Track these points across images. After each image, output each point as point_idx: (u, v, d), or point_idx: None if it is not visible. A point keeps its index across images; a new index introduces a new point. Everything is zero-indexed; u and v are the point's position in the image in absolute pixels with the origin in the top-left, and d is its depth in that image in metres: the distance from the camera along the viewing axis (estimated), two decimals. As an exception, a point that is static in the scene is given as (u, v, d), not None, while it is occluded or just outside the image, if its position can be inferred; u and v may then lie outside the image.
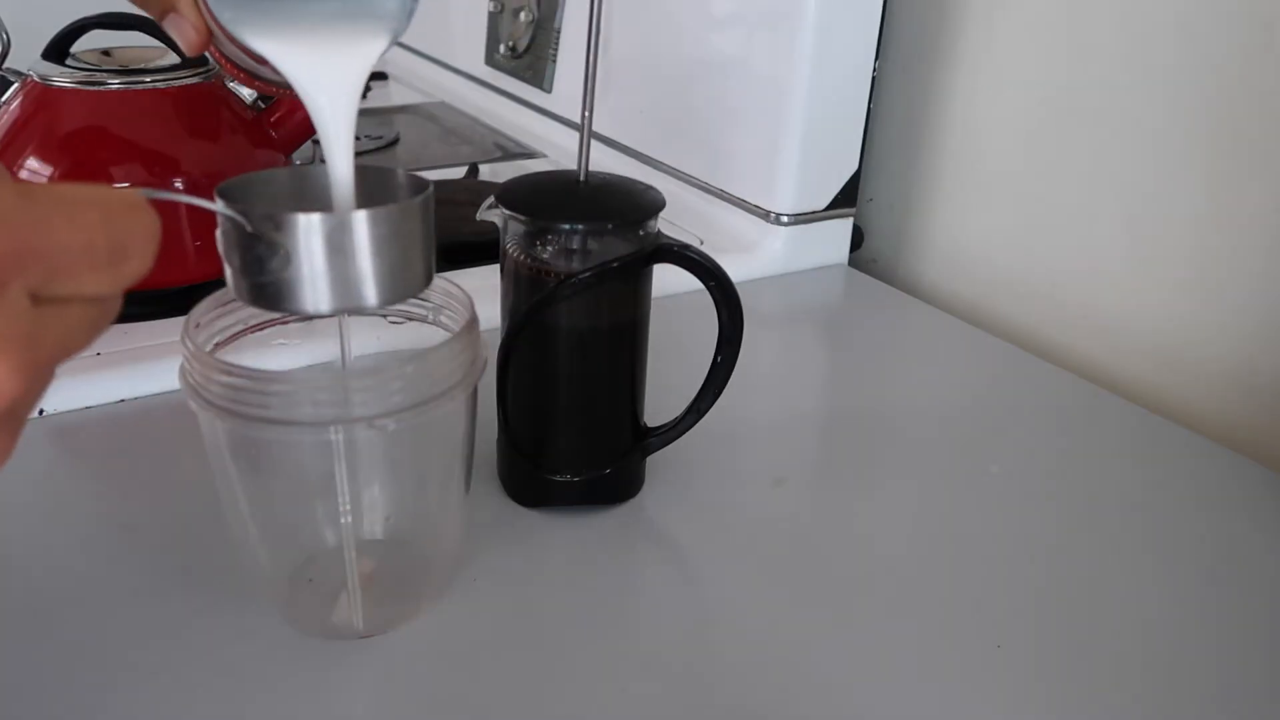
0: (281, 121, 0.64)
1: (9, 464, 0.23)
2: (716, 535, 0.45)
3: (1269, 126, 0.54)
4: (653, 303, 0.44)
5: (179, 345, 0.33)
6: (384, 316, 0.37)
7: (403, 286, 0.32)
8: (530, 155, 0.97)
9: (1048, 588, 0.43)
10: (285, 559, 0.40)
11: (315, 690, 0.36)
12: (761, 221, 0.73)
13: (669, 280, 0.44)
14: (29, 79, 0.59)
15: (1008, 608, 0.41)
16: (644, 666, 0.38)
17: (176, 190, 0.58)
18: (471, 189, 0.85)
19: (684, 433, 0.46)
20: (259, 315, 0.36)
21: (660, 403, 0.47)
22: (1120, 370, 0.64)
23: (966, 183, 0.73)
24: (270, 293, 0.30)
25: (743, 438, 0.52)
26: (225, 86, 0.63)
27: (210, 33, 0.41)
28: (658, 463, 0.48)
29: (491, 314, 0.42)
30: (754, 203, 0.74)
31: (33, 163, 0.57)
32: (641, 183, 0.43)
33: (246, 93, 0.64)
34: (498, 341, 0.42)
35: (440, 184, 0.83)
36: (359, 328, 0.37)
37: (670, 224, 0.76)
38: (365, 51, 0.32)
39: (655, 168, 0.83)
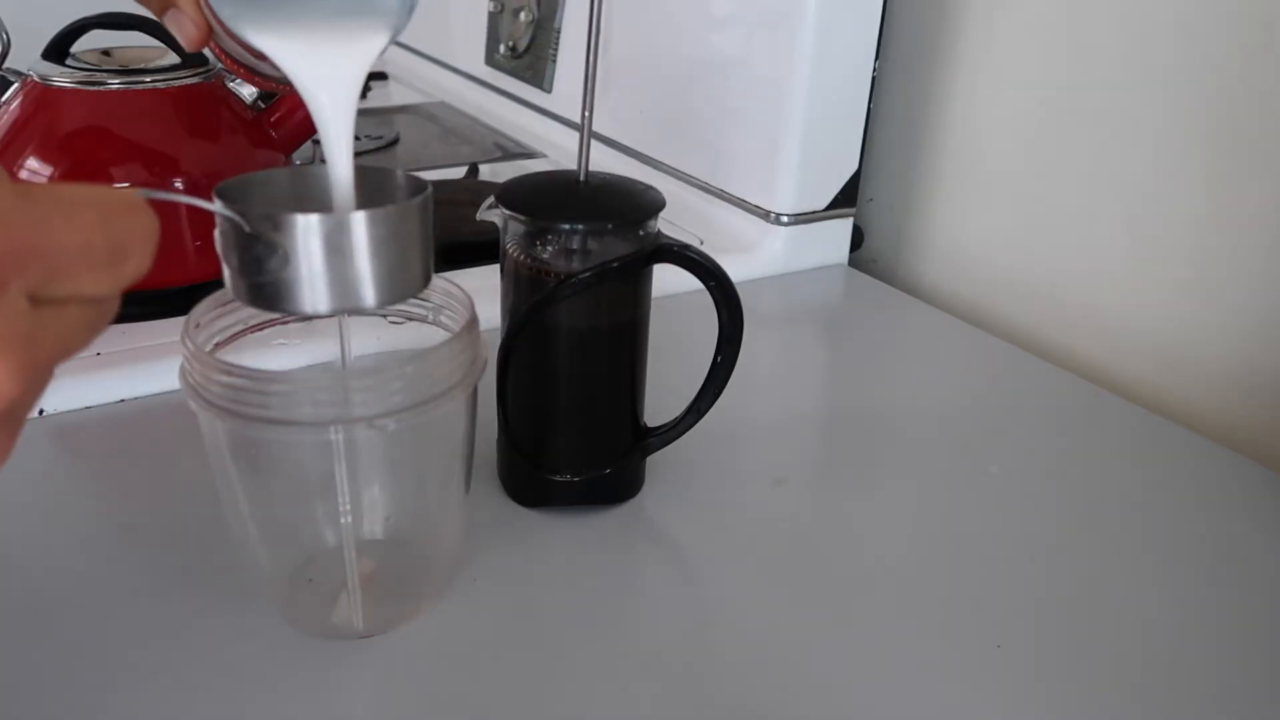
0: (281, 121, 0.64)
1: (9, 464, 0.23)
2: (716, 535, 0.45)
3: (1269, 126, 0.54)
4: (653, 303, 0.44)
5: (179, 345, 0.33)
6: (384, 316, 0.37)
7: (401, 287, 0.32)
8: (530, 155, 0.97)
9: (1048, 588, 0.43)
10: (285, 559, 0.40)
11: (315, 690, 0.36)
12: (761, 221, 0.73)
13: (669, 280, 0.44)
14: (29, 79, 0.59)
15: (1008, 608, 0.41)
16: (644, 666, 0.38)
17: (176, 190, 0.58)
18: (471, 189, 0.85)
19: (684, 433, 0.46)
20: (259, 315, 0.36)
21: (660, 403, 0.47)
22: (1120, 370, 0.64)
23: (966, 183, 0.73)
24: (269, 293, 0.30)
25: (743, 438, 0.52)
26: (225, 86, 0.63)
27: (210, 29, 0.41)
28: (658, 463, 0.48)
29: (491, 314, 0.42)
30: (754, 203, 0.74)
31: (33, 163, 0.57)
32: (641, 183, 0.43)
33: (247, 93, 0.64)
34: (498, 341, 0.42)
35: (440, 184, 0.83)
36: (359, 328, 0.37)
37: (670, 224, 0.76)
38: (365, 48, 0.32)
39: (655, 168, 0.83)
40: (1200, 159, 0.58)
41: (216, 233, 0.30)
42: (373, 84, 1.25)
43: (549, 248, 0.41)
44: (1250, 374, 0.57)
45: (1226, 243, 0.57)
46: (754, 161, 0.74)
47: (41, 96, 0.58)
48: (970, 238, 0.73)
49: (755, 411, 0.55)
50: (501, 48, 1.06)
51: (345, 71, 0.32)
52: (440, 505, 0.40)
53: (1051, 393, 0.59)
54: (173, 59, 0.61)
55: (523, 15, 1.01)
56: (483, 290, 0.40)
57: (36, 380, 0.22)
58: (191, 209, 0.58)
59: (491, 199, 0.41)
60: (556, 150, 0.97)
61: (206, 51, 0.60)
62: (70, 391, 0.52)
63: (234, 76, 0.63)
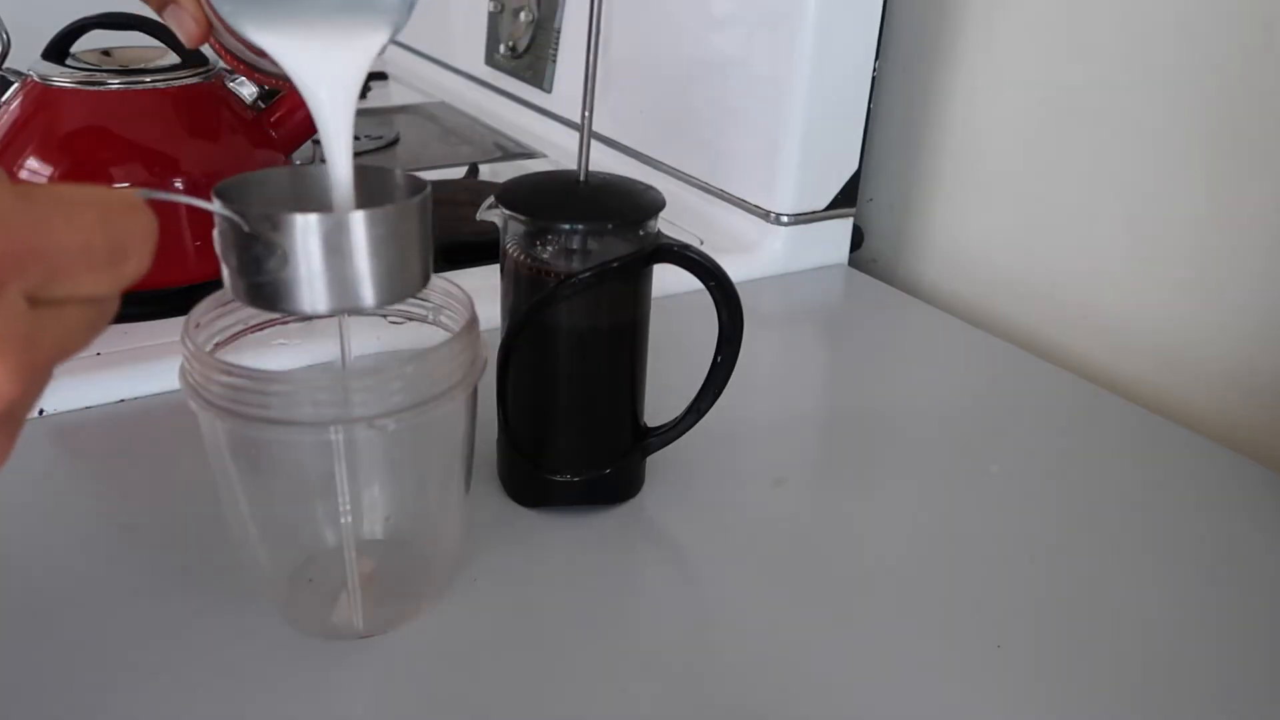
0: (281, 121, 0.64)
1: (8, 464, 0.23)
2: (716, 535, 0.45)
3: (1269, 126, 0.54)
4: (653, 303, 0.44)
5: (179, 345, 0.33)
6: (384, 316, 0.37)
7: (400, 287, 0.32)
8: (530, 155, 0.97)
9: (1048, 588, 0.43)
10: (285, 559, 0.40)
11: (315, 690, 0.36)
12: (761, 221, 0.73)
13: (669, 280, 0.44)
14: (29, 79, 0.59)
15: (1008, 608, 0.41)
16: (644, 666, 0.38)
17: (176, 190, 0.58)
18: (471, 189, 0.85)
19: (684, 433, 0.46)
20: (259, 315, 0.36)
21: (660, 403, 0.47)
22: (1120, 370, 0.64)
23: (966, 183, 0.73)
24: (268, 293, 0.30)
25: (743, 438, 0.52)
26: (225, 86, 0.63)
27: (210, 25, 0.41)
28: (658, 463, 0.48)
29: (491, 314, 0.42)
30: (754, 203, 0.74)
31: (33, 163, 0.57)
32: (641, 183, 0.43)
33: (247, 93, 0.64)
34: (498, 341, 0.42)
35: (440, 184, 0.83)
36: (359, 328, 0.37)
37: (670, 224, 0.76)
38: (366, 45, 0.32)
39: (655, 168, 0.83)
40: (1200, 159, 0.58)
41: (215, 233, 0.30)
42: (373, 84, 1.25)
43: (549, 248, 0.41)
44: (1250, 374, 0.57)
45: (1226, 243, 0.57)
46: (754, 161, 0.74)
47: (41, 96, 0.58)
48: (970, 238, 0.73)
49: (755, 411, 0.55)
50: (501, 48, 1.06)
51: (345, 69, 0.32)
52: (440, 505, 0.40)
53: (1051, 393, 0.59)
54: (173, 59, 0.61)
55: (523, 15, 1.01)
56: (483, 290, 0.40)
57: (36, 381, 0.22)
58: (191, 209, 0.58)
59: (491, 199, 0.41)
60: (556, 150, 0.97)
61: (207, 50, 0.61)
62: (70, 391, 0.52)
63: (234, 76, 0.63)
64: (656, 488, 0.48)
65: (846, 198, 0.74)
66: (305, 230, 0.29)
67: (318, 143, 0.43)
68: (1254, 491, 0.50)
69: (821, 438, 0.55)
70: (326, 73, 0.31)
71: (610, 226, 0.41)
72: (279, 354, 0.37)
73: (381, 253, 0.30)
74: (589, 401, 0.44)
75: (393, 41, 0.33)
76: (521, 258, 0.41)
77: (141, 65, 0.60)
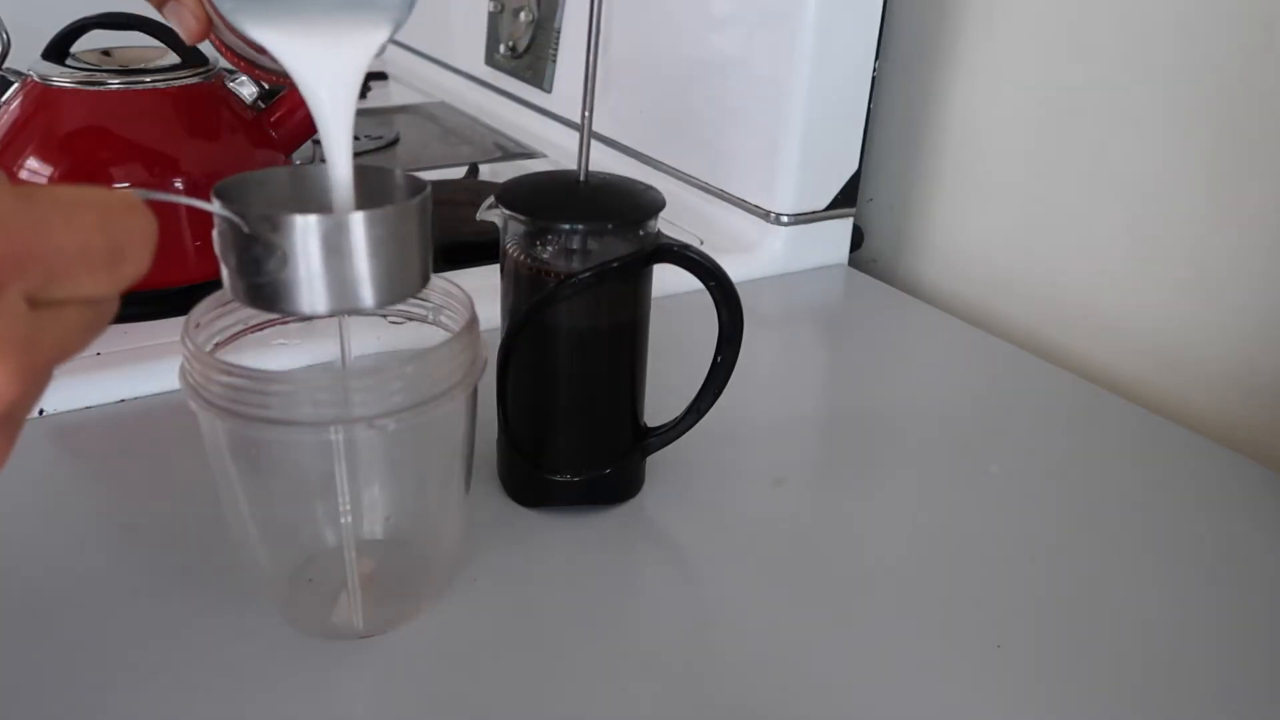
0: (281, 121, 0.64)
1: (8, 464, 0.23)
2: (716, 535, 0.45)
3: (1269, 126, 0.54)
4: (653, 303, 0.44)
5: (179, 345, 0.33)
6: (384, 316, 0.37)
7: (400, 288, 0.32)
8: (530, 155, 0.97)
9: (1048, 588, 0.43)
10: (285, 559, 0.40)
11: (315, 690, 0.36)
12: (761, 221, 0.73)
13: (669, 280, 0.44)
14: (29, 79, 0.59)
15: (1008, 608, 0.41)
16: (644, 666, 0.38)
17: (176, 190, 0.58)
18: (471, 189, 0.85)
19: (684, 433, 0.46)
20: (259, 315, 0.36)
21: (660, 403, 0.47)
22: (1120, 370, 0.64)
23: (966, 183, 0.73)
24: (267, 294, 0.30)
25: (743, 438, 0.52)
26: (225, 86, 0.63)
27: (210, 21, 0.41)
28: (658, 463, 0.48)
29: (491, 314, 0.42)
30: (754, 203, 0.74)
31: (33, 163, 0.57)
32: (641, 183, 0.43)
33: (247, 93, 0.64)
34: (498, 341, 0.42)
35: (440, 184, 0.83)
36: (359, 328, 0.37)
37: (670, 224, 0.76)
38: (366, 42, 0.32)
39: (655, 168, 0.83)
40: (1200, 159, 0.58)
41: (215, 233, 0.30)
42: (373, 84, 1.25)
43: (549, 248, 0.41)
44: (1250, 374, 0.57)
45: (1226, 243, 0.57)
46: (754, 161, 0.74)
47: (41, 96, 0.58)
48: (970, 238, 0.73)
49: (755, 411, 0.55)
50: (501, 48, 1.06)
51: (345, 66, 0.31)
52: (440, 505, 0.40)
53: (1051, 393, 0.59)
54: (173, 59, 0.61)
55: (523, 15, 1.01)
56: (483, 290, 0.40)
57: (36, 382, 0.22)
58: (191, 209, 0.58)
59: (491, 199, 0.41)
60: (556, 150, 0.97)
61: (207, 50, 0.61)
62: (70, 391, 0.52)
63: (235, 76, 0.63)
64: (656, 488, 0.48)
65: (846, 198, 0.74)
66: (305, 231, 0.29)
67: (318, 143, 0.43)
68: (1254, 491, 0.50)
69: (821, 438, 0.55)
70: (326, 70, 0.31)
71: (610, 226, 0.41)
72: (279, 354, 0.38)
73: (381, 253, 0.30)
74: (589, 401, 0.44)
75: (392, 40, 0.32)
76: (521, 258, 0.41)
77: (141, 65, 0.60)
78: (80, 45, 0.62)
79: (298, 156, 0.67)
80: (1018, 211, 0.69)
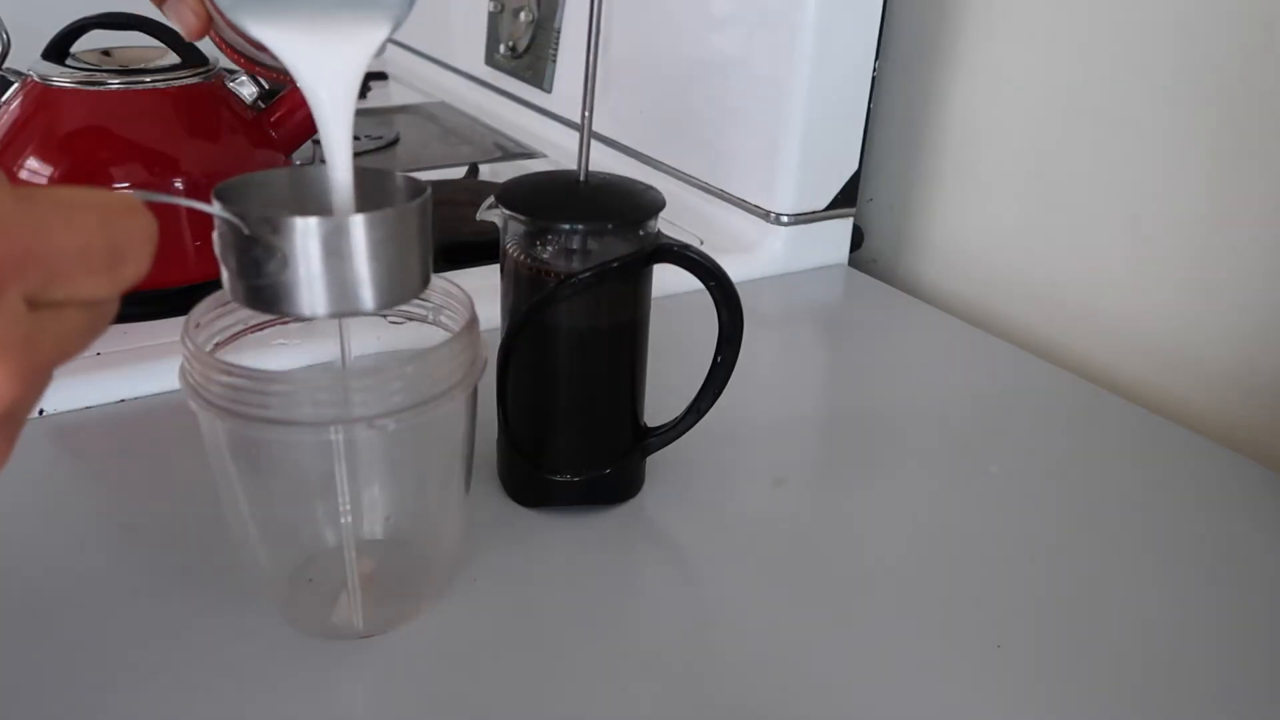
0: (281, 121, 0.64)
1: (8, 465, 0.23)
2: (716, 535, 0.45)
3: (1269, 126, 0.54)
4: (653, 303, 0.44)
5: (179, 345, 0.33)
6: (384, 316, 0.37)
7: (400, 290, 0.32)
8: (530, 155, 0.97)
9: (1048, 588, 0.43)
10: (285, 559, 0.40)
11: (315, 690, 0.36)
12: (761, 221, 0.73)
13: (669, 280, 0.44)
14: (29, 79, 0.59)
15: (1008, 608, 0.41)
16: (644, 666, 0.38)
17: (176, 190, 0.58)
18: (471, 189, 0.85)
19: (684, 433, 0.46)
20: (259, 315, 0.36)
21: (660, 403, 0.47)
22: (1120, 370, 0.64)
23: (966, 183, 0.73)
24: (267, 295, 0.30)
25: (743, 438, 0.52)
26: (225, 86, 0.63)
27: (210, 18, 0.41)
28: (658, 463, 0.48)
29: (491, 314, 0.42)
30: (754, 203, 0.74)
31: (33, 163, 0.57)
32: (641, 183, 0.43)
33: (247, 93, 0.64)
34: (498, 341, 0.42)
35: (440, 184, 0.83)
36: (359, 328, 0.37)
37: (670, 224, 0.76)
38: (366, 39, 0.32)
39: (655, 168, 0.83)
40: (1200, 159, 0.58)
41: (215, 235, 0.30)
42: (373, 84, 1.25)
43: (549, 248, 0.41)
44: (1250, 374, 0.57)
45: (1227, 243, 0.57)
46: (754, 161, 0.74)
47: (41, 96, 0.58)
48: (970, 238, 0.73)
49: (755, 411, 0.55)
50: (501, 48, 1.06)
51: (345, 64, 0.31)
52: (440, 505, 0.40)
53: (1051, 393, 0.59)
54: (173, 59, 0.61)
55: (523, 15, 1.01)
56: (483, 290, 0.40)
57: (35, 384, 0.22)
58: (191, 209, 0.58)
59: (491, 199, 0.41)
60: (556, 150, 0.97)
61: (207, 49, 0.61)
62: (70, 391, 0.52)
63: (235, 76, 0.63)
64: (656, 488, 0.48)
65: (846, 198, 0.74)
66: (305, 233, 0.29)
67: (318, 143, 0.43)
68: (1254, 491, 0.50)
69: (821, 438, 0.55)
70: (326, 67, 0.31)
71: (610, 226, 0.41)
72: (279, 354, 0.38)
73: (381, 256, 0.30)
74: (589, 401, 0.44)
75: (392, 40, 0.32)
76: (521, 258, 0.41)
77: (141, 65, 0.60)
78: (80, 45, 0.62)
79: (298, 156, 0.67)
80: (1018, 211, 0.69)
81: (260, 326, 0.37)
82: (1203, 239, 0.58)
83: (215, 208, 0.29)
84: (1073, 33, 0.63)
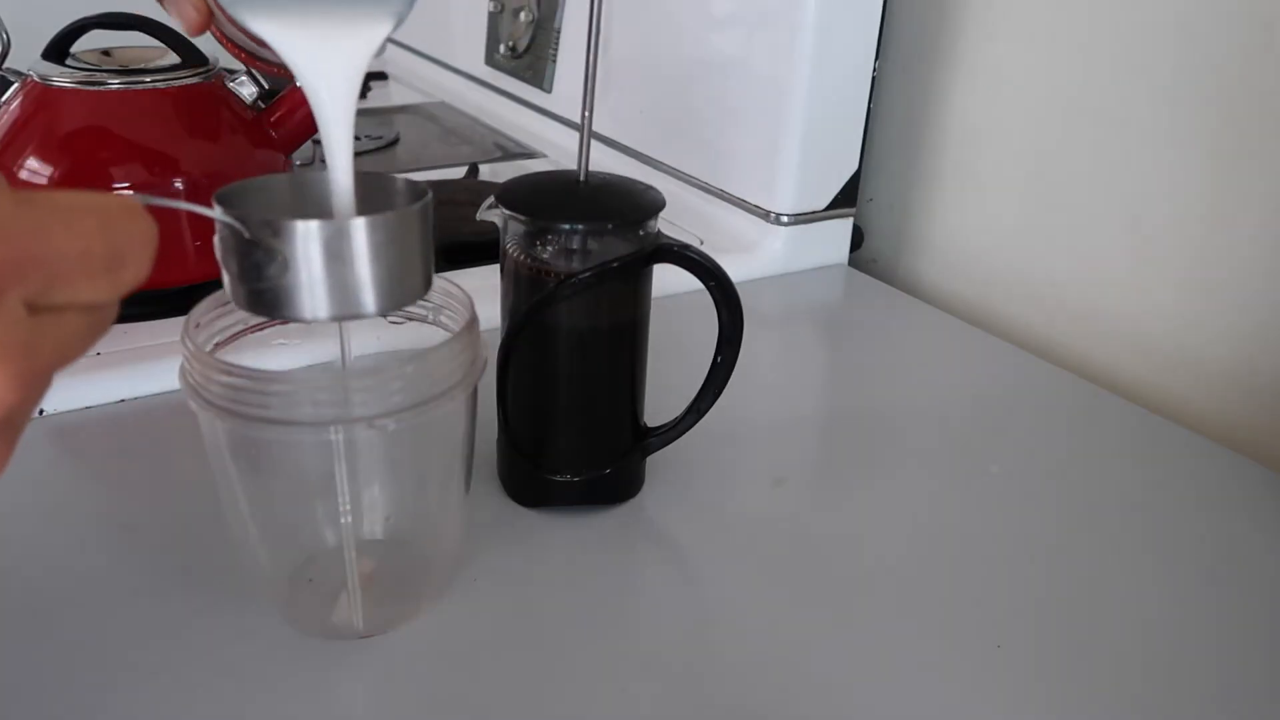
0: (281, 121, 0.64)
1: (8, 469, 0.23)
2: (716, 535, 0.45)
3: (1269, 126, 0.54)
4: (653, 303, 0.44)
5: (179, 345, 0.33)
6: (384, 317, 0.37)
7: (401, 293, 0.32)
8: (530, 155, 0.97)
9: (1048, 588, 0.43)
10: (285, 559, 0.40)
11: (315, 690, 0.36)
12: (761, 221, 0.73)
13: (669, 280, 0.44)
14: (29, 79, 0.59)
15: (1008, 608, 0.41)
16: (644, 666, 0.38)
17: (176, 191, 0.58)
18: (471, 189, 0.85)
19: (684, 433, 0.46)
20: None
21: (660, 403, 0.47)
22: (1120, 370, 0.64)
23: (966, 183, 0.73)
24: (268, 299, 0.30)
25: (743, 438, 0.52)
26: (225, 86, 0.63)
27: (210, 13, 0.41)
28: (658, 463, 0.48)
29: (491, 314, 0.42)
30: (754, 203, 0.74)
31: (33, 163, 0.57)
32: (641, 183, 0.43)
33: (246, 93, 0.64)
34: (498, 341, 0.42)
35: (440, 184, 0.83)
36: (359, 328, 0.37)
37: (670, 224, 0.76)
38: (367, 36, 0.31)
39: (655, 168, 0.83)
40: (1200, 159, 0.58)
41: (216, 239, 0.30)
42: (373, 84, 1.25)
43: (549, 248, 0.41)
44: (1250, 374, 0.57)
45: (1227, 242, 0.57)
46: (754, 161, 0.74)
47: (41, 96, 0.58)
48: (970, 238, 0.73)
49: (755, 411, 0.55)
50: (501, 48, 1.06)
51: (346, 61, 0.31)
52: (440, 505, 0.40)
53: (1051, 393, 0.59)
54: (173, 59, 0.61)
55: (523, 15, 1.01)
56: (483, 290, 0.40)
57: (35, 388, 0.22)
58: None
59: (491, 199, 0.41)
60: (556, 150, 0.97)
61: (207, 49, 0.61)
62: (70, 391, 0.52)
63: (235, 76, 0.63)
64: (656, 488, 0.48)
65: (846, 198, 0.74)
66: (306, 237, 0.29)
67: (318, 143, 0.43)
68: (1254, 491, 0.50)
69: (821, 438, 0.55)
70: (327, 64, 0.31)
71: (610, 226, 0.41)
72: (279, 354, 0.38)
73: (383, 259, 0.30)
74: (589, 401, 0.44)
75: (392, 40, 0.32)
76: (521, 258, 0.41)
77: (141, 65, 0.60)
78: (80, 45, 0.62)
79: (298, 156, 0.67)
80: (1018, 211, 0.69)
81: (260, 326, 0.37)
82: (1203, 239, 0.58)
83: (216, 211, 0.29)
84: (1073, 33, 0.63)
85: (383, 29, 0.32)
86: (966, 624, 0.40)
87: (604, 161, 0.86)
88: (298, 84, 0.44)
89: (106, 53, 0.62)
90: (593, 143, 0.42)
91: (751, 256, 0.73)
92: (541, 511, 0.46)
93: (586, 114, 0.41)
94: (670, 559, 0.45)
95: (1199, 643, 0.40)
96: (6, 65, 0.61)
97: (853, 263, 0.76)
